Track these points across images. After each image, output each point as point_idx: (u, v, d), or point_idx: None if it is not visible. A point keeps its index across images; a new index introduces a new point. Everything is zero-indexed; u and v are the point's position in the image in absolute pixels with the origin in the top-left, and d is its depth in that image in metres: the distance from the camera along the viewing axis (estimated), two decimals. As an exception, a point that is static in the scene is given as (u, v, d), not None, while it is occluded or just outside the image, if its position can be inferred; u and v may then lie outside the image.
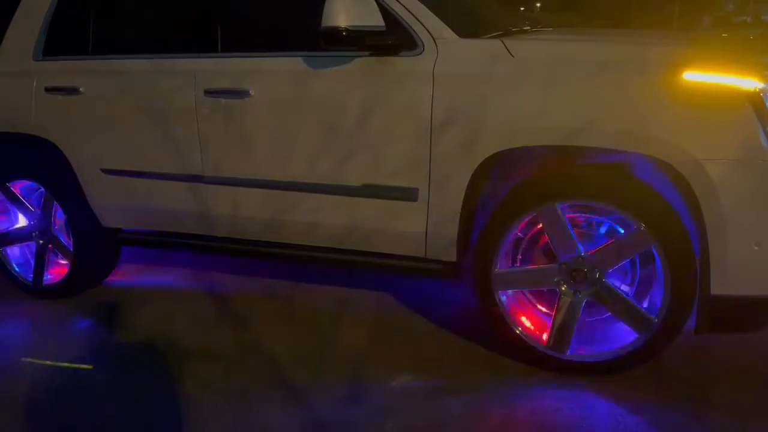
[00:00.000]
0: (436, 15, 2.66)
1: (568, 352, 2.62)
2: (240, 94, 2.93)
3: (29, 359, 3.03)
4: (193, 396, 2.63)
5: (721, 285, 2.30)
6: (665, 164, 2.32)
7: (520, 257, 2.75)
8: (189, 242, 3.38)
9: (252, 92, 2.91)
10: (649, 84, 2.32)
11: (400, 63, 2.66)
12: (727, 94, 2.23)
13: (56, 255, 3.72)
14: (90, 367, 2.95)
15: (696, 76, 2.27)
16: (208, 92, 3.00)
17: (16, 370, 2.95)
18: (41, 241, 3.67)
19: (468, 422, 2.41)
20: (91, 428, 2.51)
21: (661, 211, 2.41)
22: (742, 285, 2.30)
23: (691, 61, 2.32)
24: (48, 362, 2.99)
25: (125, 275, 3.94)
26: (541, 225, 2.61)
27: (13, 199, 3.71)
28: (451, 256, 2.77)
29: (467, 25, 2.76)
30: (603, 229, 2.65)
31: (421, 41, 2.63)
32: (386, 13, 2.60)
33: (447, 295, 3.45)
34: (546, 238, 2.64)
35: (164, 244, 3.50)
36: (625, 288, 2.63)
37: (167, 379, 2.79)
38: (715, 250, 2.28)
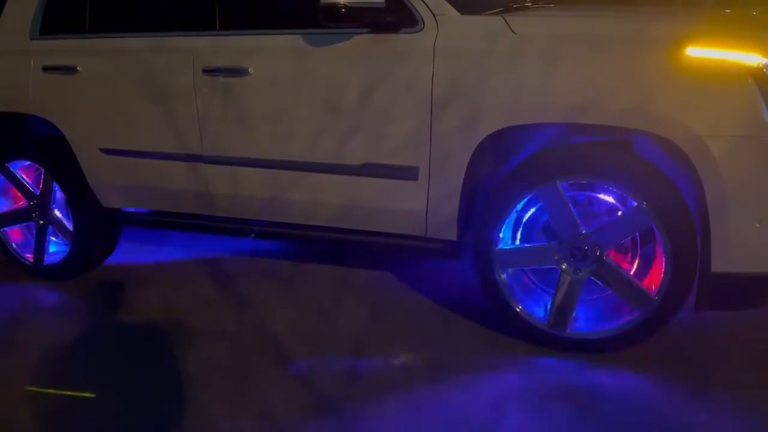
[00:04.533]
0: (437, -9, 2.63)
1: (569, 330, 2.62)
2: (238, 72, 2.90)
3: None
4: (195, 375, 2.64)
5: (722, 263, 2.30)
6: (667, 141, 2.30)
7: (521, 235, 2.74)
8: (189, 222, 3.37)
9: (251, 70, 2.89)
10: (652, 60, 2.30)
11: (400, 40, 2.64)
12: (730, 70, 2.21)
13: (56, 235, 3.72)
14: (89, 347, 2.96)
15: (699, 52, 2.25)
16: (207, 71, 2.97)
17: (17, 349, 2.97)
18: (41, 222, 3.65)
19: (469, 400, 2.42)
20: (90, 406, 2.53)
21: (662, 189, 2.40)
22: (743, 263, 2.30)
23: (694, 37, 2.29)
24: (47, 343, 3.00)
25: (126, 255, 3.93)
26: (542, 203, 2.61)
27: (13, 180, 3.69)
28: (452, 234, 2.76)
29: (468, 2, 2.72)
30: (604, 208, 2.64)
31: (421, 18, 2.61)
32: (386, -11, 2.57)
33: (447, 274, 3.45)
34: (547, 216, 2.63)
35: (164, 224, 3.49)
36: (626, 266, 2.63)
37: (168, 358, 2.79)
38: (717, 228, 2.27)
